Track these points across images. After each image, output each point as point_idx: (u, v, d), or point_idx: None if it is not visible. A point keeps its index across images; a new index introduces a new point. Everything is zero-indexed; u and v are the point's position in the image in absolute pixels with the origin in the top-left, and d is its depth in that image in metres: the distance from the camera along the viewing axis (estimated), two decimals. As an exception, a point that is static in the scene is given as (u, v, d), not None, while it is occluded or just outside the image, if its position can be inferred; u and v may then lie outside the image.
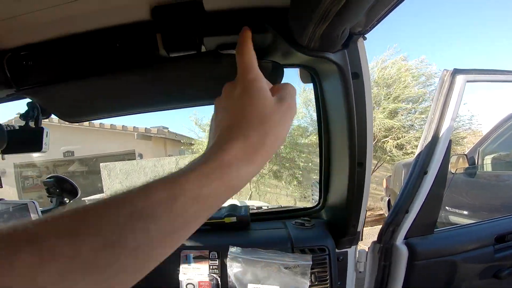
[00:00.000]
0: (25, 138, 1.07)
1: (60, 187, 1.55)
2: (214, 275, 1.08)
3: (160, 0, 0.63)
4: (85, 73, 0.77)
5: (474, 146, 3.80)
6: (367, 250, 1.31)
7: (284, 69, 0.84)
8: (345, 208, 1.07)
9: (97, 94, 0.89)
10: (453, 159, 3.38)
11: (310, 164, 8.01)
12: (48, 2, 0.58)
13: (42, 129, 1.07)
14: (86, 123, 8.68)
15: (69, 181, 1.58)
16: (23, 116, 1.06)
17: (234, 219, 1.21)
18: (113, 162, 8.28)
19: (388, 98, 7.34)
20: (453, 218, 3.51)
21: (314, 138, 7.38)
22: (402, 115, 7.40)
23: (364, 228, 1.21)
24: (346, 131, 0.90)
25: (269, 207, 1.68)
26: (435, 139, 1.27)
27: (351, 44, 0.77)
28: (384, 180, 5.33)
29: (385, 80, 7.50)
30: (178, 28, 0.67)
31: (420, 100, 7.42)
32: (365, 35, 0.78)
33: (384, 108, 7.23)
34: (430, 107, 1.35)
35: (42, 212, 1.34)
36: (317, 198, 1.38)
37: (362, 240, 1.21)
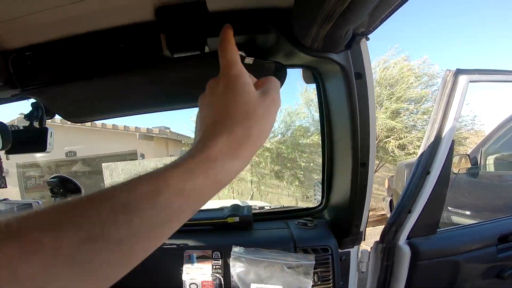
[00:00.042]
0: (29, 138, 1.07)
1: (64, 187, 1.55)
2: (217, 275, 1.08)
3: (164, 0, 0.63)
4: (89, 74, 0.77)
5: (477, 146, 3.79)
6: (369, 250, 1.31)
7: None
8: (348, 208, 1.07)
9: (101, 94, 0.89)
10: (455, 159, 3.36)
11: (311, 164, 8.00)
12: (52, 3, 0.59)
13: (47, 129, 1.07)
14: (88, 123, 8.68)
15: (73, 181, 1.59)
16: (27, 116, 1.06)
17: (237, 219, 1.21)
18: (115, 162, 8.27)
19: (391, 98, 7.32)
20: (455, 219, 3.50)
21: (316, 138, 7.38)
22: (404, 115, 7.38)
23: (366, 228, 1.21)
24: (349, 131, 0.90)
25: (272, 207, 1.68)
26: (437, 139, 1.27)
27: (354, 44, 0.77)
28: (386, 180, 5.32)
29: (387, 81, 7.49)
30: (182, 28, 0.67)
31: (423, 100, 7.40)
32: (368, 36, 0.78)
33: (386, 108, 7.22)
34: (433, 107, 1.35)
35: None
36: (320, 198, 1.38)
37: (364, 240, 1.21)
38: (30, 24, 0.66)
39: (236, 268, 1.05)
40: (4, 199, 1.49)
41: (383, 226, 1.34)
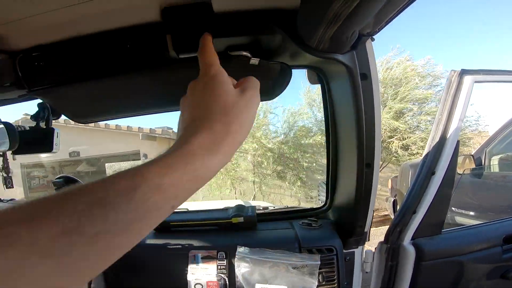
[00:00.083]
0: (36, 138, 1.08)
1: (69, 187, 1.56)
2: (222, 275, 1.09)
3: (170, 1, 0.63)
4: (96, 74, 0.78)
5: (481, 147, 3.77)
6: (373, 250, 1.31)
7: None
8: (352, 208, 1.07)
9: (107, 94, 0.90)
10: (459, 160, 3.35)
11: (314, 164, 7.99)
12: (59, 4, 0.59)
13: (53, 129, 1.07)
14: (92, 124, 8.72)
15: (78, 181, 1.59)
16: (34, 117, 1.07)
17: (241, 219, 1.21)
18: (118, 163, 8.29)
19: (395, 98, 7.29)
20: (459, 219, 3.48)
21: (319, 138, 7.37)
22: (407, 116, 7.35)
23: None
24: (355, 131, 0.90)
25: (276, 208, 1.68)
26: (442, 139, 1.27)
27: (360, 45, 0.78)
28: (389, 181, 5.30)
29: (391, 81, 7.46)
30: (188, 29, 0.67)
31: (428, 101, 7.36)
32: (373, 36, 0.78)
33: (390, 108, 7.20)
34: (436, 108, 1.35)
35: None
36: (324, 198, 1.38)
37: (369, 240, 1.21)
38: (37, 25, 0.66)
39: (241, 269, 1.05)
40: (11, 199, 1.50)
41: (386, 226, 1.34)
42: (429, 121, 7.12)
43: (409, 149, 7.29)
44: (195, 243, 1.14)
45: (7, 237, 0.23)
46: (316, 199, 7.38)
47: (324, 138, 1.27)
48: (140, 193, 0.29)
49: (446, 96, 1.30)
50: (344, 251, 1.15)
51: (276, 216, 1.42)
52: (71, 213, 0.26)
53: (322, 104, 1.20)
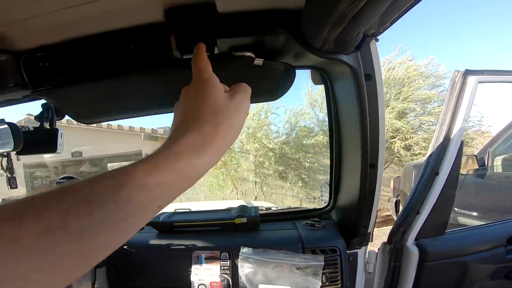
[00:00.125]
0: (40, 139, 1.08)
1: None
2: (225, 275, 1.09)
3: (173, 1, 0.63)
4: (100, 74, 0.78)
5: (484, 147, 3.75)
6: (376, 251, 1.30)
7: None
8: (356, 209, 1.07)
9: (111, 95, 0.90)
10: (462, 160, 3.33)
11: (316, 164, 7.98)
12: (63, 4, 0.59)
13: (57, 130, 1.07)
14: (94, 124, 8.73)
15: (81, 181, 1.60)
16: (38, 117, 1.07)
17: (244, 220, 1.21)
18: (120, 163, 8.29)
19: (397, 98, 7.27)
20: (462, 220, 3.47)
21: (321, 138, 7.35)
22: (410, 116, 7.33)
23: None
24: (359, 132, 0.90)
25: (278, 208, 1.68)
26: (446, 140, 1.26)
27: (364, 45, 0.77)
28: (392, 181, 5.29)
29: (394, 81, 7.43)
30: (192, 29, 0.67)
31: (431, 101, 7.32)
32: (377, 37, 0.78)
33: (392, 108, 7.17)
34: (439, 108, 1.34)
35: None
36: (326, 199, 1.38)
37: (372, 241, 1.21)
38: (42, 26, 0.66)
39: (244, 269, 1.05)
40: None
41: (388, 227, 1.34)
42: (432, 121, 7.10)
43: (412, 150, 7.26)
44: (199, 243, 1.14)
45: None
46: (318, 199, 7.36)
47: (326, 138, 1.27)
48: (125, 192, 0.30)
49: (450, 97, 1.30)
50: (348, 251, 1.14)
51: (279, 216, 1.42)
52: (56, 210, 0.26)
53: (324, 105, 1.20)
